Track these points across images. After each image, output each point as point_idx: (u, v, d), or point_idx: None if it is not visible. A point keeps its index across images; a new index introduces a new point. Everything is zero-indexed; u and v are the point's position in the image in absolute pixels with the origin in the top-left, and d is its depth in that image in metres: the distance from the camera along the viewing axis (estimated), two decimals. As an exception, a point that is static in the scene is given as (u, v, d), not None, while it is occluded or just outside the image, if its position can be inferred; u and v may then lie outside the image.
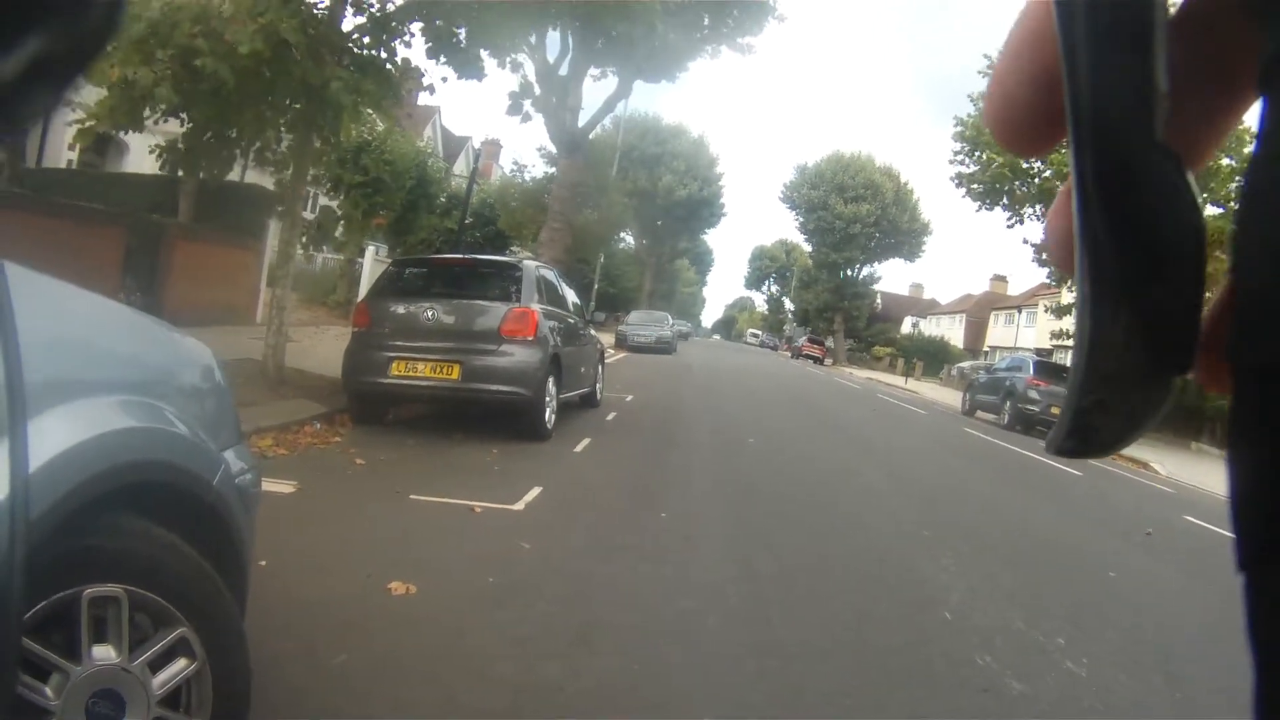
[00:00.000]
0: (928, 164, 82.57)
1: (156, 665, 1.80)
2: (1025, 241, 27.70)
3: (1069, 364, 0.44)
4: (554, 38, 18.45)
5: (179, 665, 1.84)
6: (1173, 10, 0.42)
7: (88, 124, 9.01)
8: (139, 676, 1.74)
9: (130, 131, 9.28)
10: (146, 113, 8.87)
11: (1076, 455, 0.44)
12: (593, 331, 11.91)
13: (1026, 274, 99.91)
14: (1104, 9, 0.38)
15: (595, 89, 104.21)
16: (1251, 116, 0.43)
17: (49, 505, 1.48)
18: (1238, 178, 13.02)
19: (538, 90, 18.05)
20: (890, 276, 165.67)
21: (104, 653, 1.69)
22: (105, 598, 1.69)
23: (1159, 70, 0.38)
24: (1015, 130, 0.47)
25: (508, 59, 13.41)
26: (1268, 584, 0.37)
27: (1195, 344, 0.40)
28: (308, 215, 13.55)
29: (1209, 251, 0.40)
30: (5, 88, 0.34)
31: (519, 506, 5.74)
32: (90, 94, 9.24)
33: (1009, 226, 26.74)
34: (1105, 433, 0.42)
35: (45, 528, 1.46)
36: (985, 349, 56.99)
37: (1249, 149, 0.40)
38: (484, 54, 10.30)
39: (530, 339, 8.21)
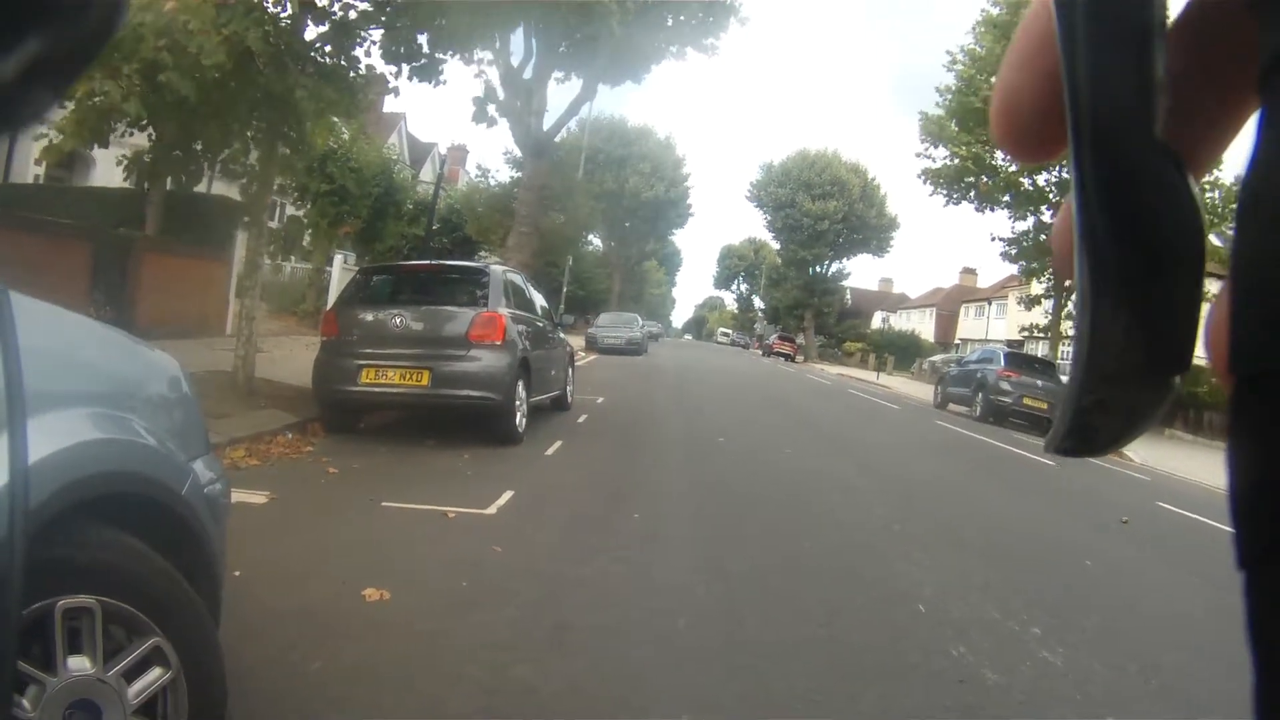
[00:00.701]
0: (894, 159, 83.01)
1: (131, 675, 1.81)
2: (994, 238, 27.85)
3: (1070, 363, 0.44)
4: (518, 42, 18.43)
5: (154, 674, 1.86)
6: (1176, 10, 0.43)
7: (54, 139, 8.93)
8: (114, 686, 1.75)
9: (96, 147, 9.20)
10: (112, 128, 8.82)
11: (1076, 454, 0.45)
12: (562, 334, 11.92)
13: (996, 266, 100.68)
14: (1103, 9, 0.39)
15: (560, 92, 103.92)
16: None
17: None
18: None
19: (502, 95, 18.02)
20: (859, 272, 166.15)
21: (79, 663, 1.70)
22: (79, 609, 1.70)
23: (1158, 69, 0.39)
24: (1021, 136, 0.47)
25: (472, 61, 13.38)
26: (1268, 583, 0.37)
27: (1194, 343, 0.41)
28: (274, 225, 13.44)
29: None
30: (5, 88, 0.35)
31: (491, 511, 5.75)
32: (56, 111, 9.17)
33: (978, 211, 26.90)
34: (1105, 432, 0.43)
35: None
36: (956, 342, 57.30)
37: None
38: (447, 54, 10.27)
39: (499, 343, 8.22)
